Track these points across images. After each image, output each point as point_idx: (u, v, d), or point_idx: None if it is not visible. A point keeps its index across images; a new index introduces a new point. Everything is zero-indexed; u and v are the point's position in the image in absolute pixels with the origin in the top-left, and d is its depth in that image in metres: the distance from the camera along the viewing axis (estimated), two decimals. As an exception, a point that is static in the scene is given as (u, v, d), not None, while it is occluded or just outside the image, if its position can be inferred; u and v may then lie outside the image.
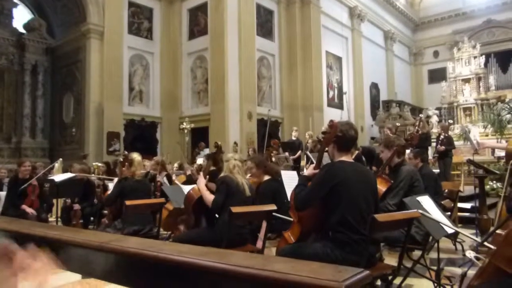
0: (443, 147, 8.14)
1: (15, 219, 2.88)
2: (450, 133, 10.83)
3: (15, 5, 15.56)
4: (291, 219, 2.95)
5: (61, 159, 9.85)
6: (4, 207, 5.76)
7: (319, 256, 2.34)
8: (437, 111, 16.59)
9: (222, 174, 3.56)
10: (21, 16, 15.94)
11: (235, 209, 2.96)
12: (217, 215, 3.37)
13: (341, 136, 2.54)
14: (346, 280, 0.86)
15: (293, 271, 0.93)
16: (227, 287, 1.03)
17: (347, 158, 2.59)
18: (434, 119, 16.23)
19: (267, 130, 8.83)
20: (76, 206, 6.04)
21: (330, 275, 0.88)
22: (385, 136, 8.14)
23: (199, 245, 1.77)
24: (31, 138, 15.28)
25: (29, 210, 5.65)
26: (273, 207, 3.29)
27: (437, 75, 23.45)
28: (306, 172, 2.83)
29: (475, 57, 15.60)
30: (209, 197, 3.39)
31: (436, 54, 25.05)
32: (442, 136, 8.50)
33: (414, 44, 25.85)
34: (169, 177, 6.78)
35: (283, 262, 1.07)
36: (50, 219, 6.63)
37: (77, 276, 1.73)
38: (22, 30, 15.53)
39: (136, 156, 4.40)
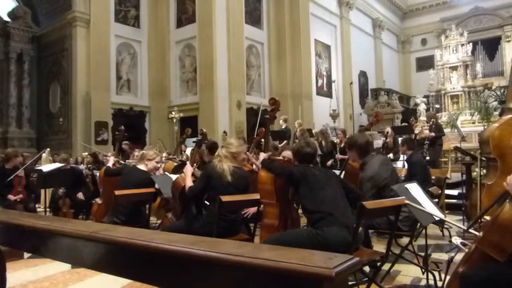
0: (432, 134, 8.16)
1: (4, 209, 2.85)
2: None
3: (-2, -8, 15.19)
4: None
5: (48, 149, 9.74)
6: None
7: (305, 240, 2.54)
8: (424, 99, 16.71)
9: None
10: (5, 4, 15.55)
11: (224, 198, 2.96)
12: (207, 202, 3.34)
13: (299, 153, 3.10)
14: (336, 266, 0.86)
15: (284, 258, 0.94)
16: (218, 275, 1.03)
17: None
18: (422, 107, 16.37)
19: (258, 119, 8.82)
20: (80, 195, 6.07)
21: (321, 262, 0.89)
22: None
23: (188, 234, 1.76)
24: (17, 128, 15.06)
25: (15, 198, 5.58)
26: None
27: (425, 63, 23.61)
28: (261, 158, 3.42)
29: (462, 45, 15.69)
30: (189, 185, 3.35)
31: (424, 42, 25.17)
32: (431, 123, 8.50)
33: (402, 32, 25.93)
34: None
35: (273, 250, 1.07)
36: (38, 210, 6.59)
37: (66, 266, 1.73)
38: (6, 18, 15.17)
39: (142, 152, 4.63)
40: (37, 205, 6.62)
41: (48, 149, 9.75)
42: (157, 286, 1.57)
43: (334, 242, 2.50)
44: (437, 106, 15.15)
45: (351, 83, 14.00)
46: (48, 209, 6.35)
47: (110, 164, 4.93)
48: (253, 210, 3.65)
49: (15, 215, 2.31)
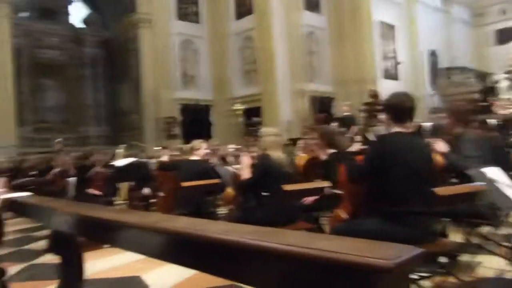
0: None
1: (78, 203, 3.05)
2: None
3: (70, 2, 16.36)
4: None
5: (125, 144, 10.37)
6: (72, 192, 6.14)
7: (374, 232, 2.24)
8: (506, 75, 15.22)
9: (259, 153, 3.48)
10: (75, 11, 16.76)
11: (287, 187, 2.90)
12: (263, 193, 3.29)
13: (395, 107, 2.44)
14: (396, 258, 0.78)
15: (339, 248, 0.86)
16: (270, 265, 0.98)
17: (404, 129, 2.41)
18: (504, 84, 14.94)
19: (317, 107, 8.67)
20: (146, 190, 6.37)
21: (378, 253, 0.81)
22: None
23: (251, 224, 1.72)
24: (95, 127, 16.26)
25: (95, 192, 6.00)
26: (325, 183, 3.20)
27: (506, 35, 21.48)
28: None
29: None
30: (245, 176, 3.34)
31: (503, 11, 22.91)
32: None
33: (476, 3, 23.81)
34: (223, 158, 7.00)
35: (328, 240, 1.00)
36: (116, 202, 7.02)
37: (140, 255, 1.79)
38: (78, 25, 16.34)
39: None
40: (115, 198, 7.04)
41: (125, 145, 10.38)
42: (216, 276, 1.57)
43: (405, 240, 2.23)
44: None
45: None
46: (126, 202, 6.76)
47: (164, 158, 5.13)
48: (311, 199, 3.55)
49: (86, 208, 2.44)
